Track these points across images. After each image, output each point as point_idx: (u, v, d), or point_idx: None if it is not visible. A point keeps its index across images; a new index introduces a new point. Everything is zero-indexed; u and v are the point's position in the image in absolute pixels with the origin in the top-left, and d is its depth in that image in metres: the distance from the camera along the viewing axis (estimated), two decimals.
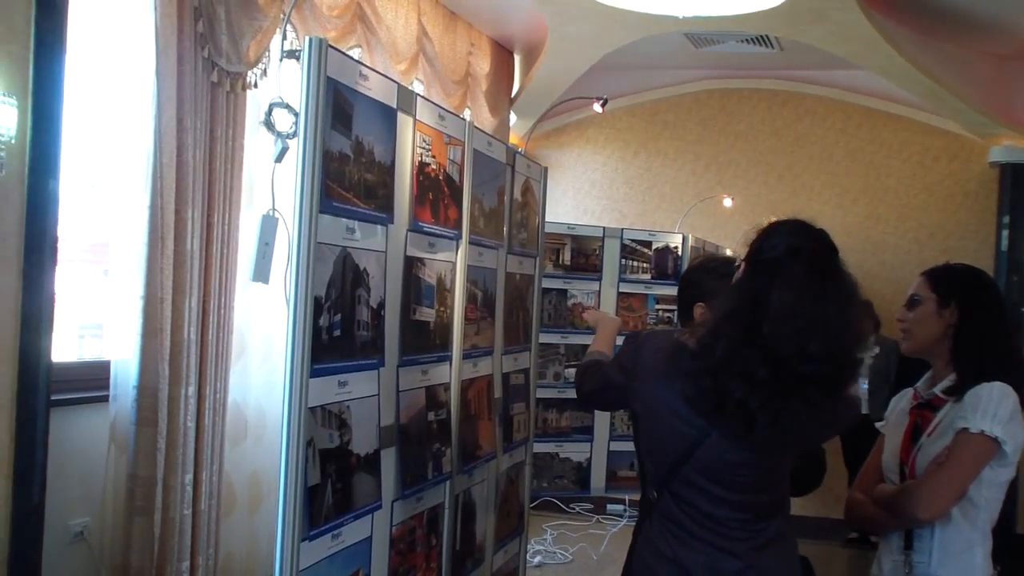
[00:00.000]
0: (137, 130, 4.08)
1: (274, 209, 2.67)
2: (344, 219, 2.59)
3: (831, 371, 2.28)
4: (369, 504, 2.76)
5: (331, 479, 2.53)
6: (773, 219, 2.48)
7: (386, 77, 2.84)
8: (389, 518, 2.95)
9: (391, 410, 2.94)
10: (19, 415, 3.29)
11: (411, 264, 3.03)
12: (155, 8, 4.03)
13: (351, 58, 2.68)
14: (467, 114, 7.43)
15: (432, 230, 3.17)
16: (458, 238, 3.39)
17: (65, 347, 4.26)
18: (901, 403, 3.19)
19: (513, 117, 8.28)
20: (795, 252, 2.34)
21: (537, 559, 6.79)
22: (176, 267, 4.14)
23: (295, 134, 2.39)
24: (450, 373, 3.38)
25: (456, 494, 3.46)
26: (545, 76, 7.85)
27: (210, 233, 4.33)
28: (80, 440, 4.02)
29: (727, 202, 8.75)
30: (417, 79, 6.57)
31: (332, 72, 2.47)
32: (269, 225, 2.58)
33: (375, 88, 2.72)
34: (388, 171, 2.82)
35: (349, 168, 2.58)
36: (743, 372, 2.27)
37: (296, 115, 2.39)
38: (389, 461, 2.93)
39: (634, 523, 2.91)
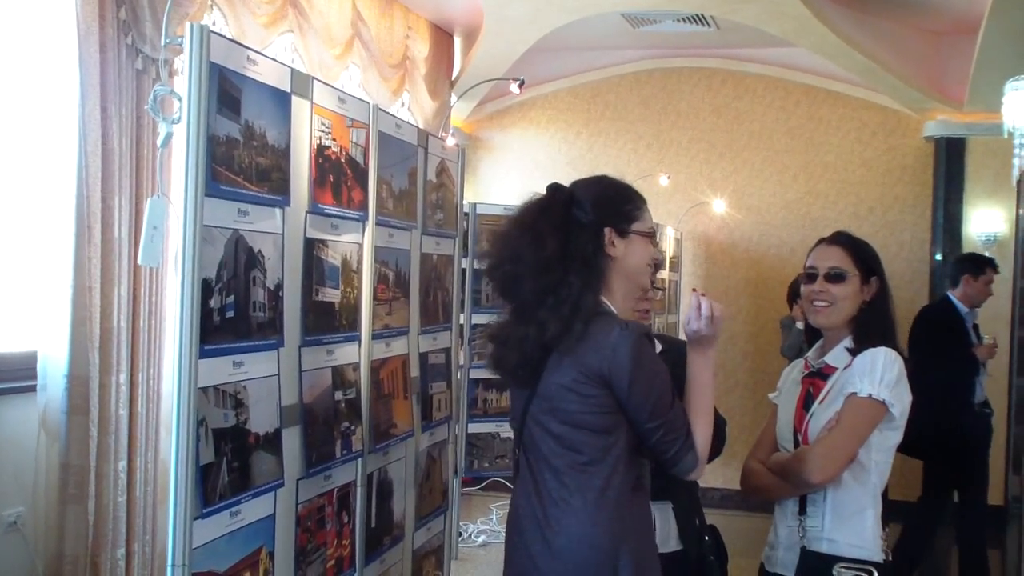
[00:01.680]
0: (61, 119, 4.08)
1: (162, 193, 2.69)
2: (235, 202, 2.62)
3: (511, 269, 2.60)
4: (270, 482, 2.79)
5: (227, 457, 2.57)
6: None
7: (277, 61, 2.87)
8: (294, 496, 2.99)
9: (293, 390, 2.97)
10: None
11: (312, 246, 3.06)
12: None
13: (237, 43, 2.70)
14: (406, 97, 7.45)
15: (334, 212, 3.19)
16: (364, 219, 3.41)
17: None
18: (793, 373, 3.25)
19: (455, 100, 8.30)
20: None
21: (481, 538, 6.89)
22: (104, 255, 4.14)
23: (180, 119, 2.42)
24: (359, 353, 3.41)
25: (369, 472, 3.50)
26: (484, 59, 7.88)
27: (139, 221, 4.32)
28: (10, 430, 4.02)
29: (663, 180, 8.82)
30: (353, 63, 6.57)
31: (217, 57, 2.49)
32: (157, 209, 2.61)
33: (266, 72, 2.75)
34: (283, 154, 2.84)
35: (239, 152, 2.61)
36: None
37: (180, 100, 2.42)
38: (293, 440, 2.97)
39: None
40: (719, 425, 3.09)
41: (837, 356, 3.04)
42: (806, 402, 3.07)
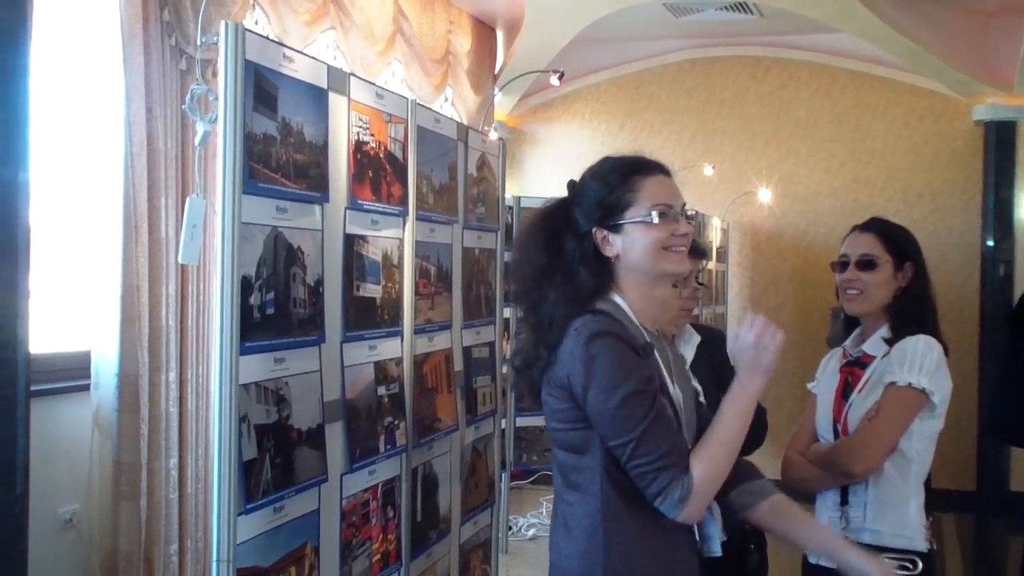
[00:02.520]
0: (107, 120, 4.14)
1: (202, 191, 2.72)
2: (273, 199, 2.63)
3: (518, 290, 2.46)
4: (313, 478, 2.81)
5: (269, 453, 2.58)
6: None
7: (313, 58, 2.88)
8: (338, 491, 3.00)
9: (335, 385, 2.98)
10: None
11: (352, 241, 3.06)
12: None
13: (273, 41, 2.72)
14: (449, 92, 7.47)
15: (374, 207, 3.20)
16: (404, 214, 3.42)
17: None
18: (831, 363, 3.22)
19: (497, 93, 8.30)
20: None
21: (531, 532, 6.88)
22: (151, 255, 4.20)
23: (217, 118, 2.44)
24: (401, 348, 3.42)
25: (414, 467, 3.51)
26: (526, 51, 7.86)
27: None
28: (66, 429, 4.10)
29: (708, 170, 8.77)
30: (396, 59, 6.59)
31: (252, 55, 2.51)
32: (196, 207, 2.63)
33: (302, 70, 2.76)
34: (320, 151, 2.85)
35: (276, 149, 2.63)
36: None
37: (216, 99, 2.44)
38: (336, 435, 2.98)
39: None
40: (758, 413, 3.03)
41: (875, 345, 3.02)
42: (845, 392, 3.04)
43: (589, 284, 2.33)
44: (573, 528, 2.32)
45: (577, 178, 2.46)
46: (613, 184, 2.36)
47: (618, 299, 2.35)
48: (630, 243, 2.32)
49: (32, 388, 3.50)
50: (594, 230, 2.34)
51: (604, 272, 2.36)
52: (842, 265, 3.10)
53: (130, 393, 4.12)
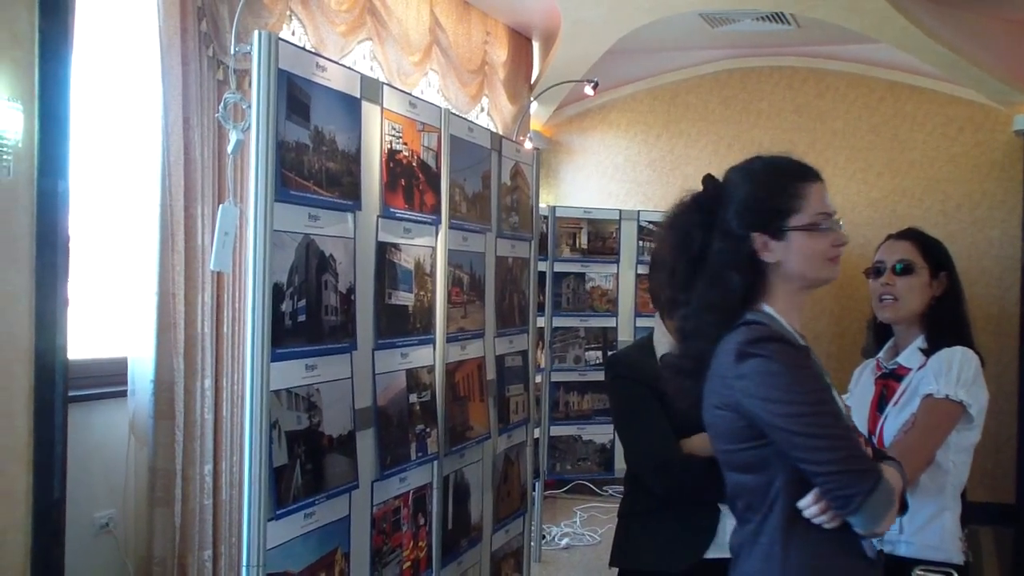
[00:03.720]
0: (145, 130, 4.19)
1: (234, 199, 2.75)
2: (305, 207, 2.65)
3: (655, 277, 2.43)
4: (344, 484, 2.82)
5: (300, 459, 2.60)
6: None
7: (347, 68, 2.90)
8: (369, 498, 3.01)
9: (367, 392, 2.99)
10: (37, 412, 3.39)
11: (384, 249, 3.08)
12: (159, 9, 4.13)
13: (305, 50, 2.75)
14: (485, 102, 7.48)
15: (406, 216, 3.22)
16: (437, 223, 3.43)
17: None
18: (864, 374, 3.20)
19: (533, 104, 8.30)
20: None
21: (565, 541, 6.86)
22: (188, 263, 4.24)
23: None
24: (434, 356, 3.43)
25: (446, 475, 3.51)
26: (562, 62, 7.85)
27: None
28: (103, 435, 4.14)
29: None
30: (432, 70, 6.61)
31: (286, 64, 2.53)
32: (228, 215, 2.66)
33: (335, 78, 2.78)
34: (353, 159, 2.87)
35: (308, 157, 2.65)
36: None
37: (249, 107, 2.46)
38: (367, 442, 2.99)
39: None
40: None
41: (910, 356, 2.99)
42: (880, 404, 3.02)
43: (740, 291, 2.21)
44: (751, 549, 2.19)
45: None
46: (774, 188, 2.25)
47: (767, 308, 2.24)
48: (794, 250, 2.19)
49: (69, 394, 3.56)
50: (753, 235, 2.20)
51: (757, 278, 2.24)
52: (877, 272, 3.08)
53: (166, 400, 4.15)
